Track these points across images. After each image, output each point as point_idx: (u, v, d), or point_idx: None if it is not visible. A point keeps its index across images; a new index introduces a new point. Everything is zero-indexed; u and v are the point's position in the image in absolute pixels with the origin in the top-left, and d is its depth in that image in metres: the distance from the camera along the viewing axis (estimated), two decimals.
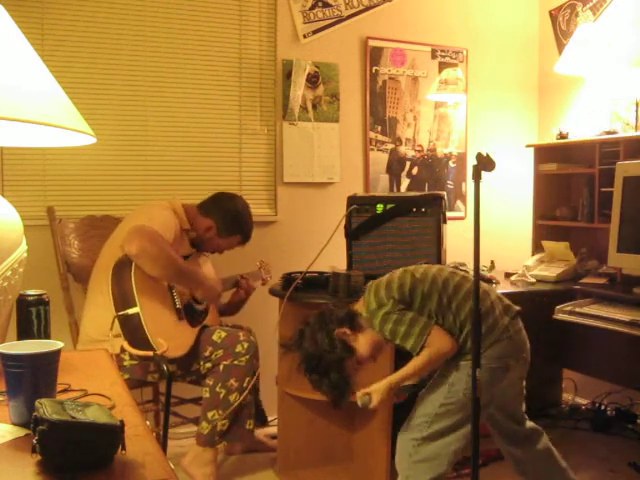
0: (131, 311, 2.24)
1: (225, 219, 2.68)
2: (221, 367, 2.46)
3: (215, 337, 2.49)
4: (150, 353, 2.19)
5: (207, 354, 2.47)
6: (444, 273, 2.05)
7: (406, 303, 1.97)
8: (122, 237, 2.33)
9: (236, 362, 2.46)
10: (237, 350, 2.47)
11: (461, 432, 1.96)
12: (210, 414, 2.45)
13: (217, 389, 2.45)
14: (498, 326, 1.97)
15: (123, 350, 2.32)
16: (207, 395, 2.47)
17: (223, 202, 2.72)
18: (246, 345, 2.49)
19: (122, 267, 2.31)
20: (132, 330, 2.25)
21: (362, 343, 2.01)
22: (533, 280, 3.08)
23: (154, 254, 2.28)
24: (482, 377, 1.86)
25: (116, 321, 2.26)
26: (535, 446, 2.16)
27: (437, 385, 2.01)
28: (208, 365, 2.47)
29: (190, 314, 2.50)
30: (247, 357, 2.48)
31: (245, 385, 2.48)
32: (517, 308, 2.05)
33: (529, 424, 2.18)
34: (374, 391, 1.97)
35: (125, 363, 2.37)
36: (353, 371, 2.03)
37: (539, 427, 2.19)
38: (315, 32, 3.39)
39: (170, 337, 2.27)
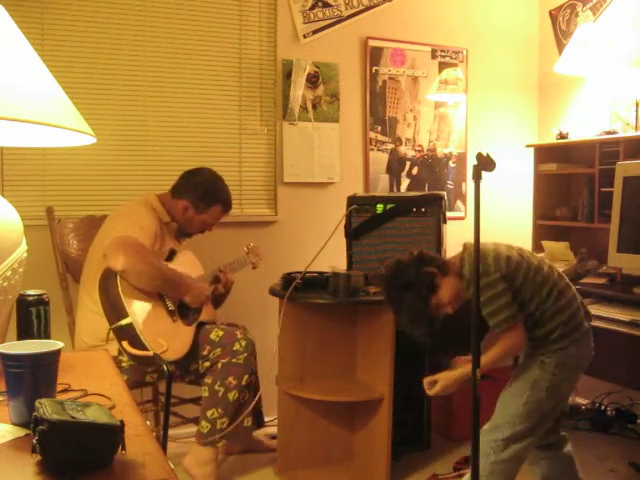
0: (124, 322, 2.23)
1: (197, 193, 2.63)
2: (219, 365, 2.46)
3: (213, 336, 2.49)
4: (150, 353, 2.19)
5: (205, 353, 2.47)
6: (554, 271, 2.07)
7: (509, 280, 1.94)
8: (106, 242, 2.33)
9: (234, 360, 2.47)
10: (235, 348, 2.48)
11: (537, 433, 1.93)
12: (209, 412, 2.46)
13: (216, 387, 2.46)
14: (583, 327, 1.99)
15: (121, 352, 2.31)
16: (206, 394, 2.48)
17: (190, 178, 2.67)
18: (244, 343, 2.50)
19: (108, 278, 2.30)
20: (129, 338, 2.24)
21: (445, 286, 1.98)
22: None
23: (140, 269, 2.27)
24: (568, 374, 1.92)
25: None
26: (558, 452, 2.15)
27: (519, 383, 1.98)
28: (206, 364, 2.48)
29: (185, 312, 2.50)
30: (245, 355, 2.48)
31: (244, 383, 2.48)
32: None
33: (561, 432, 2.17)
34: (441, 378, 1.98)
35: (123, 364, 2.37)
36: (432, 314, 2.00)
37: (565, 434, 2.18)
38: (315, 32, 3.39)
39: (168, 340, 2.26)
